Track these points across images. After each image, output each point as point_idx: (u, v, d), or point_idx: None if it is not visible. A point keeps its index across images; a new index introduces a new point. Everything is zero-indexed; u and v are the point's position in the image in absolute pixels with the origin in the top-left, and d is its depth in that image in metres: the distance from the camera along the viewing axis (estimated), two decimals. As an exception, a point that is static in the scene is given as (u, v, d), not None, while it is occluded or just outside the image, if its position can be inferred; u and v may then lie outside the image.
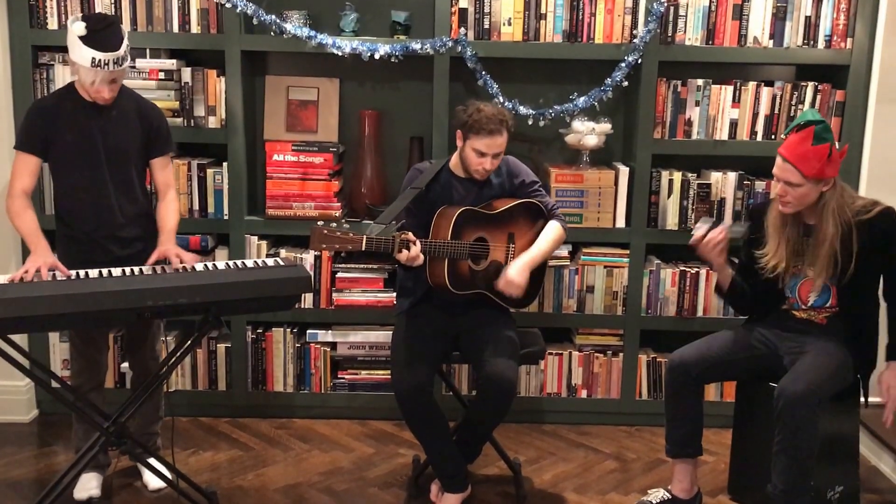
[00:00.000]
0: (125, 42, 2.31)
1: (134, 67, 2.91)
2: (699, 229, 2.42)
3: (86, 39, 2.24)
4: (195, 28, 2.95)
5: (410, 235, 2.39)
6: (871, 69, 2.96)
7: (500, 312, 2.61)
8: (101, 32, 2.26)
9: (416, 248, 2.38)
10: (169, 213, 2.49)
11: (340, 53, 2.92)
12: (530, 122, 3.05)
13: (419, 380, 2.40)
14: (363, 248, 2.35)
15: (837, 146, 2.31)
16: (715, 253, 2.42)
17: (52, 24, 2.93)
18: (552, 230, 2.60)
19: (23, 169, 2.37)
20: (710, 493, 2.69)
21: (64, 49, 2.93)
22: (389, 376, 3.10)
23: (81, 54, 2.25)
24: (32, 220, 2.36)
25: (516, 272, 2.49)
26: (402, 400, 2.41)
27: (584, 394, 3.18)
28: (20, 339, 2.69)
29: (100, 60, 2.25)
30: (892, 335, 2.41)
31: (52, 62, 2.95)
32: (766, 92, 3.02)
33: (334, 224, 2.34)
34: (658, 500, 2.56)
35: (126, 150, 2.44)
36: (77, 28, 2.25)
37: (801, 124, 2.30)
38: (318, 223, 2.34)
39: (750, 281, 2.52)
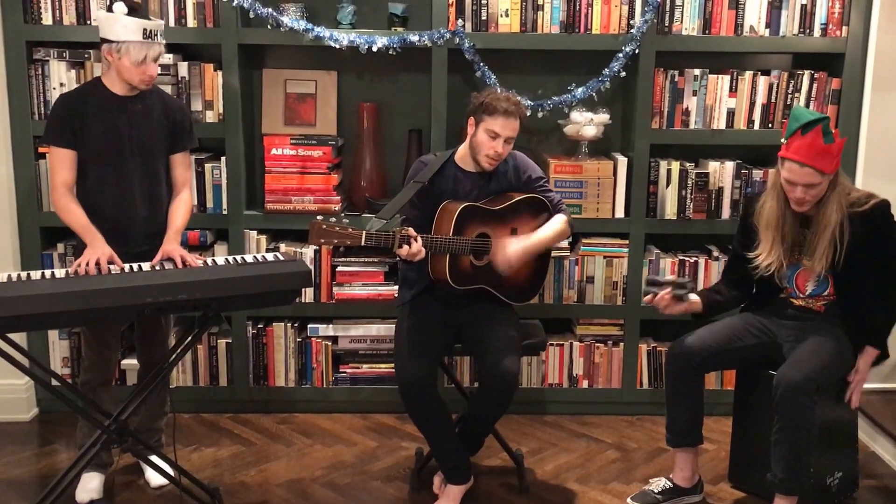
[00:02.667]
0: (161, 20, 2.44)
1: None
2: (646, 295, 2.50)
3: (131, 15, 2.31)
4: (191, 22, 2.93)
5: (411, 231, 2.38)
6: (867, 57, 2.96)
7: (502, 306, 2.60)
8: (139, 10, 2.34)
9: (416, 245, 2.36)
10: (180, 210, 2.49)
11: (338, 46, 2.91)
12: (529, 114, 3.03)
13: (423, 372, 2.40)
14: (362, 244, 2.34)
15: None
16: (668, 310, 2.48)
17: (47, 19, 2.91)
18: (556, 221, 2.60)
19: (60, 164, 2.37)
20: (710, 481, 2.71)
21: (59, 45, 2.94)
22: (391, 370, 3.12)
23: (131, 28, 2.29)
24: (82, 215, 2.36)
25: (513, 250, 2.47)
26: (406, 392, 2.41)
27: (585, 384, 3.19)
28: (19, 337, 2.68)
29: (150, 31, 2.32)
30: (875, 322, 2.41)
31: (46, 58, 2.93)
32: (762, 81, 3.03)
33: (333, 219, 2.33)
34: (659, 489, 2.57)
35: (152, 144, 2.44)
36: (120, 7, 2.30)
37: (805, 125, 2.27)
38: (318, 218, 2.33)
39: (744, 272, 2.51)
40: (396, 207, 2.45)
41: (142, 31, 2.29)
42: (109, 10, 2.33)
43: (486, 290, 2.56)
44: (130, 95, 2.40)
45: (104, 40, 2.34)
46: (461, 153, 2.60)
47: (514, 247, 2.49)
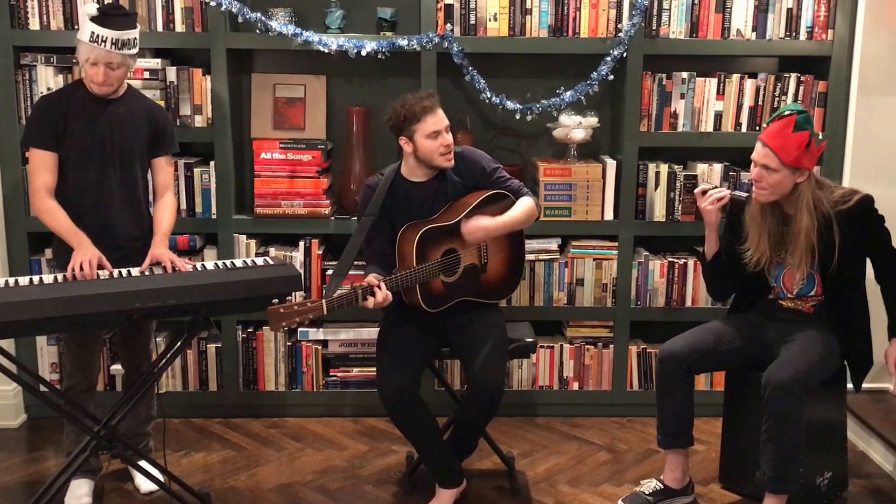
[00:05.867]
0: (134, 34, 2.35)
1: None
2: (705, 185, 2.48)
3: (93, 18, 2.28)
4: (179, 27, 2.93)
5: (372, 280, 2.32)
6: (852, 60, 2.99)
7: (487, 308, 2.59)
8: (112, 17, 2.30)
9: (380, 293, 2.30)
10: (165, 214, 2.47)
11: (327, 50, 2.91)
12: (518, 117, 3.06)
13: (403, 382, 2.38)
14: (325, 313, 2.25)
15: (818, 138, 2.33)
16: (713, 208, 2.45)
17: (34, 24, 2.90)
18: (521, 203, 2.52)
19: (40, 166, 2.35)
20: (701, 482, 2.71)
21: (46, 50, 2.94)
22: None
23: (84, 29, 2.28)
24: (65, 217, 2.34)
25: (484, 222, 2.41)
26: (387, 402, 2.40)
27: (575, 386, 3.20)
28: (7, 343, 2.66)
29: (98, 36, 2.27)
30: (891, 314, 2.42)
31: (34, 63, 2.92)
32: (749, 84, 3.05)
33: (289, 299, 2.23)
34: (650, 491, 2.58)
35: (132, 148, 2.43)
36: (89, 8, 2.29)
37: (784, 113, 2.33)
38: (273, 302, 2.22)
39: (733, 270, 2.53)
40: (350, 259, 2.39)
41: (89, 34, 2.27)
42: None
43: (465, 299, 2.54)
44: (111, 98, 2.39)
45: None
46: (407, 168, 2.50)
47: (483, 219, 2.43)
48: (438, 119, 2.40)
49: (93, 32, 2.27)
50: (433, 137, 2.40)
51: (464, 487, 2.56)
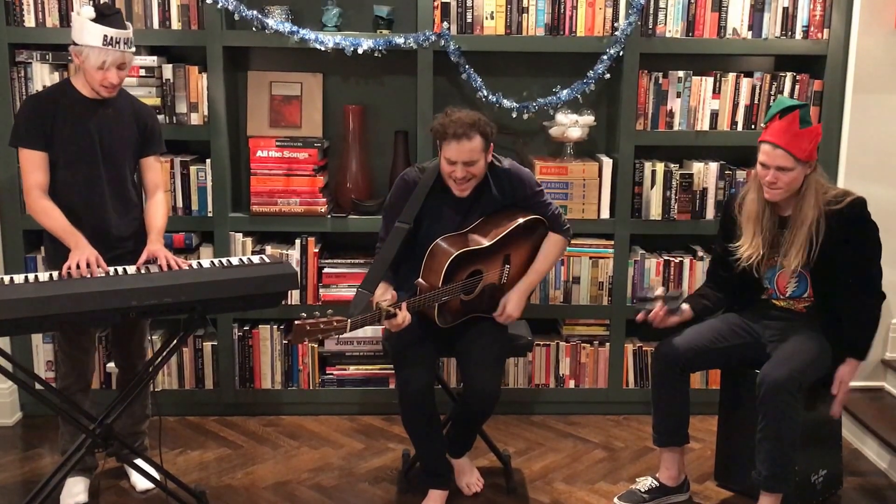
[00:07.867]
0: (131, 31, 2.36)
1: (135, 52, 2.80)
2: (638, 313, 2.49)
3: (99, 21, 2.28)
4: (175, 24, 2.93)
5: (394, 295, 2.32)
6: (848, 59, 3.00)
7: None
8: (112, 17, 2.31)
9: (401, 314, 2.28)
10: (157, 212, 2.47)
11: (323, 48, 2.91)
12: (514, 116, 3.06)
13: (426, 380, 2.38)
14: (348, 332, 2.24)
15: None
16: (662, 324, 2.47)
17: (30, 21, 2.89)
18: (551, 248, 2.54)
19: (32, 166, 2.34)
20: (697, 480, 2.72)
21: (42, 47, 2.93)
22: (378, 371, 3.13)
23: (93, 33, 2.27)
24: (61, 217, 2.33)
25: (515, 307, 2.47)
26: (409, 400, 2.37)
27: (571, 384, 3.21)
28: (3, 341, 2.66)
29: (111, 38, 2.28)
30: (853, 332, 2.41)
31: (29, 60, 2.91)
32: (745, 82, 3.05)
33: (317, 312, 2.22)
34: (646, 489, 2.59)
35: (121, 148, 2.43)
36: (87, 11, 2.28)
37: (783, 110, 2.31)
38: (301, 316, 2.20)
39: (727, 272, 2.53)
40: (380, 273, 2.35)
41: (102, 38, 2.27)
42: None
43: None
44: (100, 98, 2.38)
45: (74, 42, 2.33)
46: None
47: (513, 304, 2.47)
48: (461, 151, 2.30)
49: (105, 35, 2.27)
50: (448, 163, 2.35)
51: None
